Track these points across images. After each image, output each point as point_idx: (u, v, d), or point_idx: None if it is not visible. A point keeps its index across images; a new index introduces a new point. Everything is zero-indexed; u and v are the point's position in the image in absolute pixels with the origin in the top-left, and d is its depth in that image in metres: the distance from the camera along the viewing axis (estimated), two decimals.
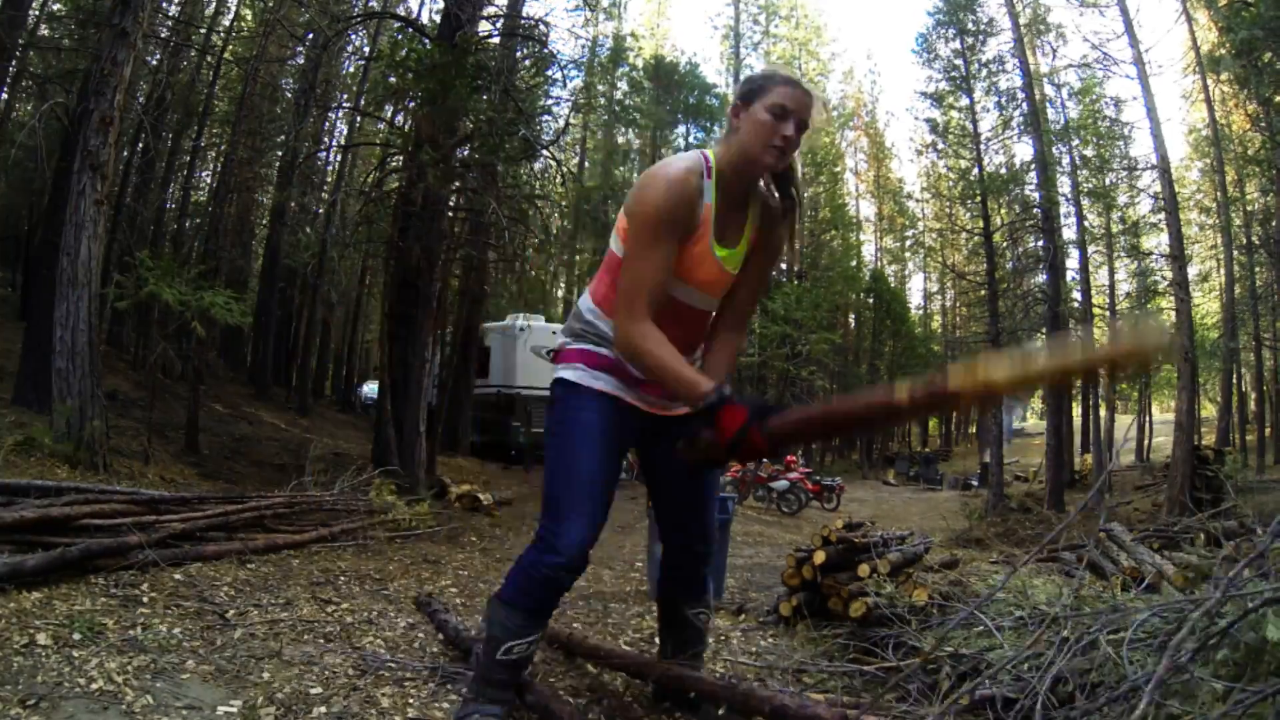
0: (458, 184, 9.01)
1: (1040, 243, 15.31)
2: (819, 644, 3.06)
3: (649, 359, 1.69)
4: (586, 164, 24.89)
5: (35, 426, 5.68)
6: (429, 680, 2.37)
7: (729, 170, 1.78)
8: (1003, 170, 16.48)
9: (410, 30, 10.51)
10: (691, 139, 25.23)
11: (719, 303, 1.94)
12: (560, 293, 26.90)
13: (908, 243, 33.92)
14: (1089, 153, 15.72)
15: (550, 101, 11.82)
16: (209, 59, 14.13)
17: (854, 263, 29.25)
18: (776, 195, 1.90)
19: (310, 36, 12.25)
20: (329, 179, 17.63)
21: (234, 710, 2.02)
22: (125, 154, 12.22)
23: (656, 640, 2.32)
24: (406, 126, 10.17)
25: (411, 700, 2.22)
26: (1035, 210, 14.84)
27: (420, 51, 8.27)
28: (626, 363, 1.80)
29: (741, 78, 1.90)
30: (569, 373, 1.87)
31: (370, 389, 19.14)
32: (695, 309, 1.89)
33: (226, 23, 15.01)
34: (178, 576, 3.16)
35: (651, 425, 1.93)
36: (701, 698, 2.05)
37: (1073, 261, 17.78)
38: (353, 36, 15.33)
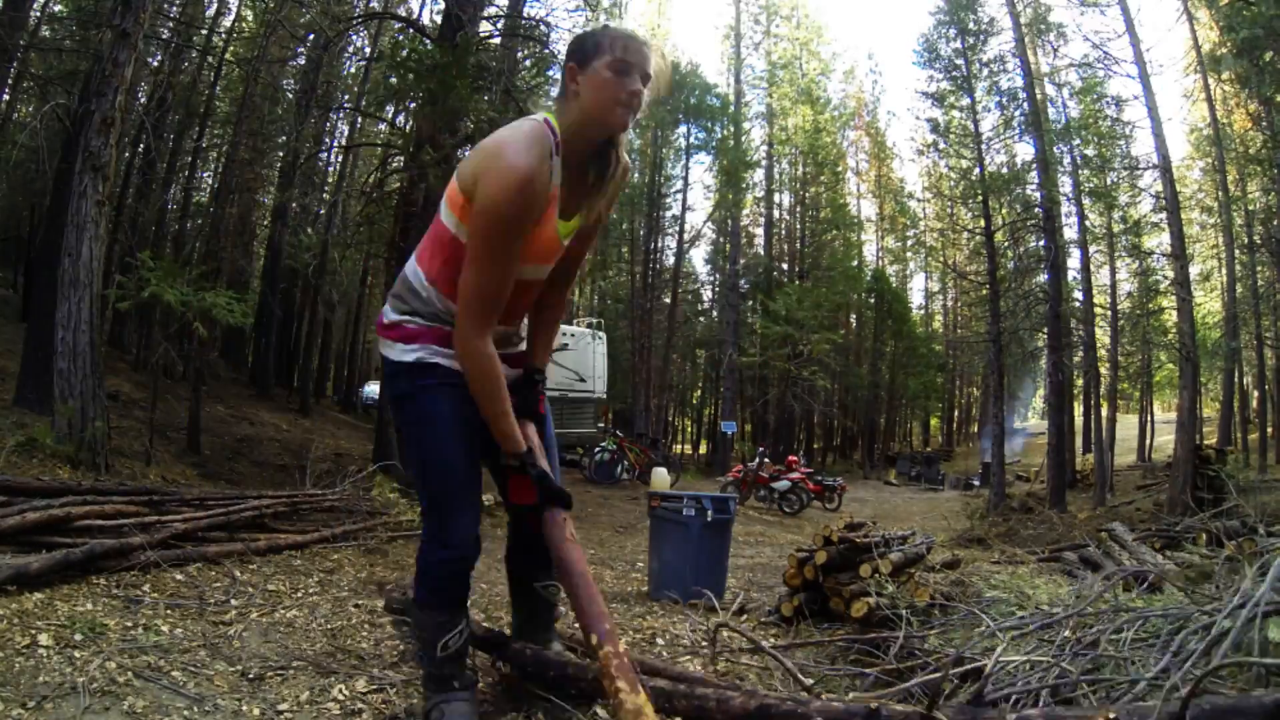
0: None
1: (1042, 242, 15.30)
2: (821, 644, 3.06)
3: (482, 388, 1.68)
4: None
5: (37, 427, 5.69)
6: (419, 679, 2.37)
7: (575, 137, 1.68)
8: (1004, 170, 16.48)
9: (411, 31, 10.51)
10: (692, 139, 25.24)
11: (549, 268, 1.86)
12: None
13: (909, 242, 33.91)
14: (1090, 152, 15.69)
15: (551, 102, 11.82)
16: (210, 60, 14.14)
17: (855, 262, 29.22)
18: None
19: (311, 37, 12.27)
20: (330, 179, 17.66)
21: (234, 710, 2.02)
22: (126, 155, 12.23)
23: (513, 617, 2.31)
24: (407, 127, 10.19)
25: (412, 699, 2.22)
26: (1036, 210, 14.82)
27: (421, 52, 8.27)
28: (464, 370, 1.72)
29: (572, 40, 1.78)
30: (421, 353, 1.76)
31: (371, 389, 19.14)
32: (526, 280, 1.80)
33: (228, 24, 15.02)
34: (179, 577, 3.16)
35: None
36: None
37: (1074, 261, 17.81)
38: (354, 37, 15.37)
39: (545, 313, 1.99)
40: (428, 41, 9.14)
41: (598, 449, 12.84)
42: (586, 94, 1.64)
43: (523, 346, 2.00)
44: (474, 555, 1.87)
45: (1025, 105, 14.98)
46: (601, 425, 15.16)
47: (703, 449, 30.04)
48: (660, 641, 3.07)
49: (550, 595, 2.17)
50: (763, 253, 28.12)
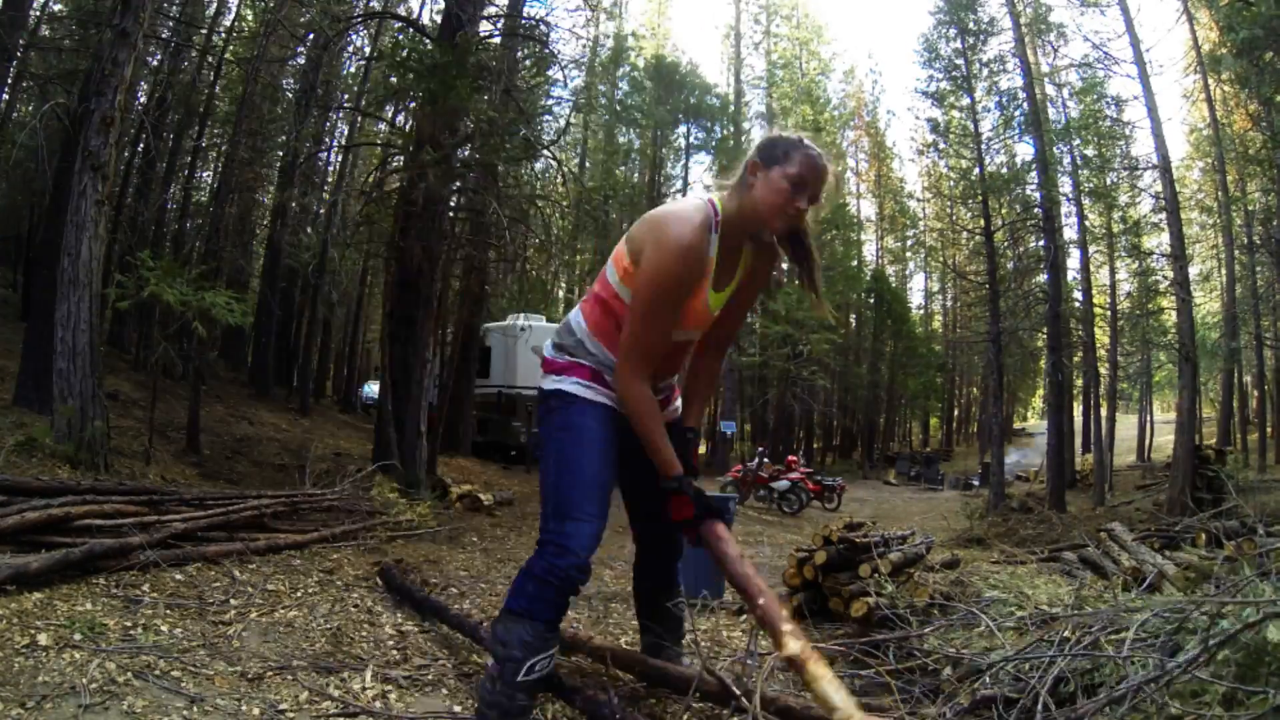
0: (458, 184, 9.01)
1: (1041, 242, 15.30)
2: (820, 644, 3.06)
3: (641, 423, 1.85)
4: (587, 164, 24.88)
5: (36, 427, 5.69)
6: (425, 679, 2.37)
7: (735, 223, 1.86)
8: (1004, 170, 16.47)
9: (411, 30, 10.50)
10: (692, 139, 25.23)
11: (701, 332, 2.03)
12: (561, 293, 26.90)
13: (909, 242, 33.91)
14: (1090, 152, 15.67)
15: (551, 101, 11.83)
16: (210, 59, 14.13)
17: (855, 262, 29.22)
18: (786, 247, 2.01)
19: (311, 37, 12.24)
20: (330, 179, 17.63)
21: (234, 711, 2.02)
22: (126, 154, 12.22)
23: (638, 634, 2.37)
24: (407, 126, 10.18)
25: (411, 698, 2.22)
26: (1036, 210, 14.82)
27: (421, 51, 8.26)
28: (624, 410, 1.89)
29: (765, 136, 1.93)
30: (570, 385, 1.93)
31: (371, 389, 19.14)
32: (679, 343, 1.99)
33: (227, 23, 15.00)
34: (178, 577, 3.16)
35: (631, 436, 1.93)
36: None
37: (1074, 261, 17.82)
38: (353, 37, 15.34)
39: (700, 376, 2.18)
40: (428, 41, 9.13)
41: None
42: (759, 192, 1.81)
43: (676, 403, 2.17)
44: (588, 567, 1.85)
45: (1025, 105, 14.99)
46: None
47: (702, 449, 30.05)
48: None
49: (679, 611, 2.27)
50: None
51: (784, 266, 2.13)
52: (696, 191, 1.87)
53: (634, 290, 1.81)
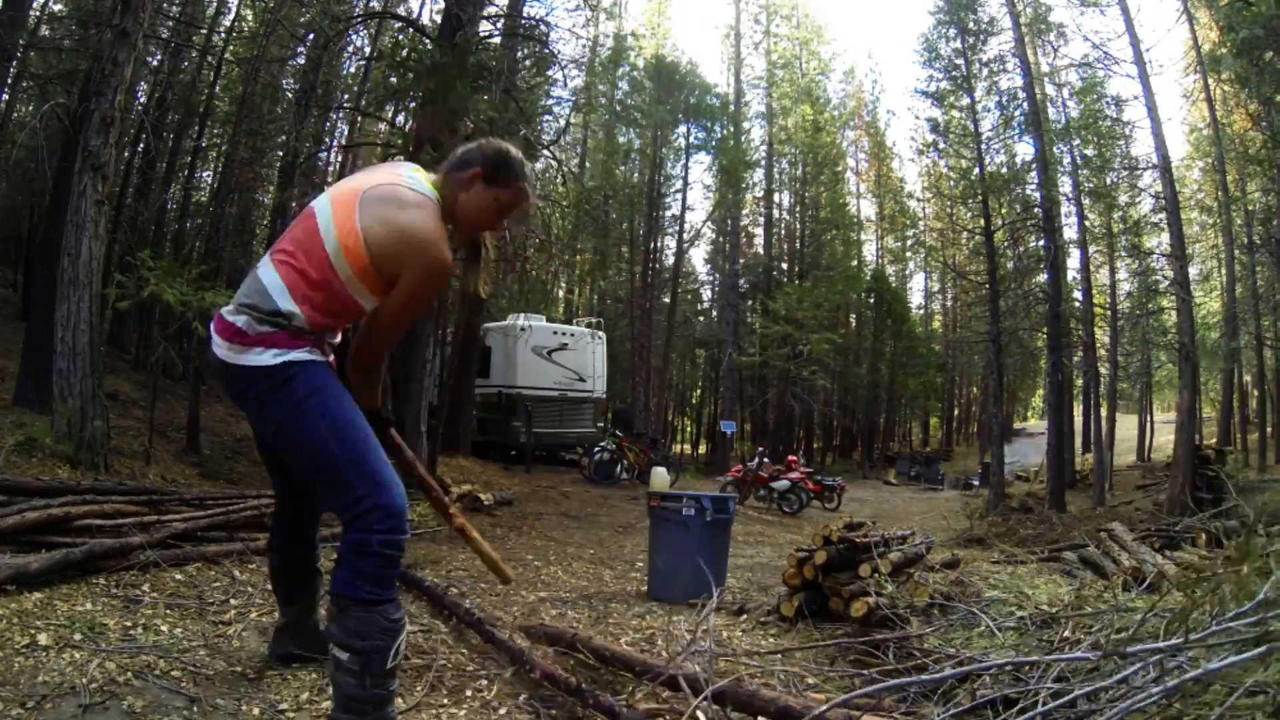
0: None
1: (1041, 242, 15.30)
2: (821, 644, 3.06)
3: (379, 373, 2.12)
4: (587, 164, 24.86)
5: (36, 427, 5.69)
6: (422, 679, 2.37)
7: (444, 214, 1.93)
8: (1004, 170, 16.46)
9: (411, 30, 10.51)
10: (692, 139, 25.20)
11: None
12: (561, 293, 26.90)
13: (909, 242, 33.90)
14: (1090, 152, 15.68)
15: (551, 101, 11.84)
16: (210, 59, 14.12)
17: (855, 262, 29.20)
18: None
19: (311, 37, 12.24)
20: (330, 179, 17.62)
21: (234, 711, 2.02)
22: (126, 154, 12.21)
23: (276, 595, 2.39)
24: (407, 126, 10.17)
25: (411, 698, 2.22)
26: (1036, 210, 14.82)
27: (421, 51, 8.26)
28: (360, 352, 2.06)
29: (496, 148, 2.03)
30: (299, 353, 1.85)
31: None
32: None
33: (227, 23, 15.00)
34: (179, 576, 3.16)
35: None
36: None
37: (1074, 261, 17.81)
38: (353, 36, 15.31)
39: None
40: (427, 41, 9.13)
41: (597, 449, 12.84)
42: (472, 201, 1.96)
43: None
44: (407, 529, 1.84)
45: (1025, 105, 14.98)
46: (601, 425, 15.17)
47: (702, 449, 30.03)
48: (660, 641, 3.07)
49: (317, 567, 2.31)
50: (762, 252, 28.12)
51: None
52: (414, 182, 1.89)
53: (400, 293, 1.87)
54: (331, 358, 2.03)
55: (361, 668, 1.73)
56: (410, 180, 1.92)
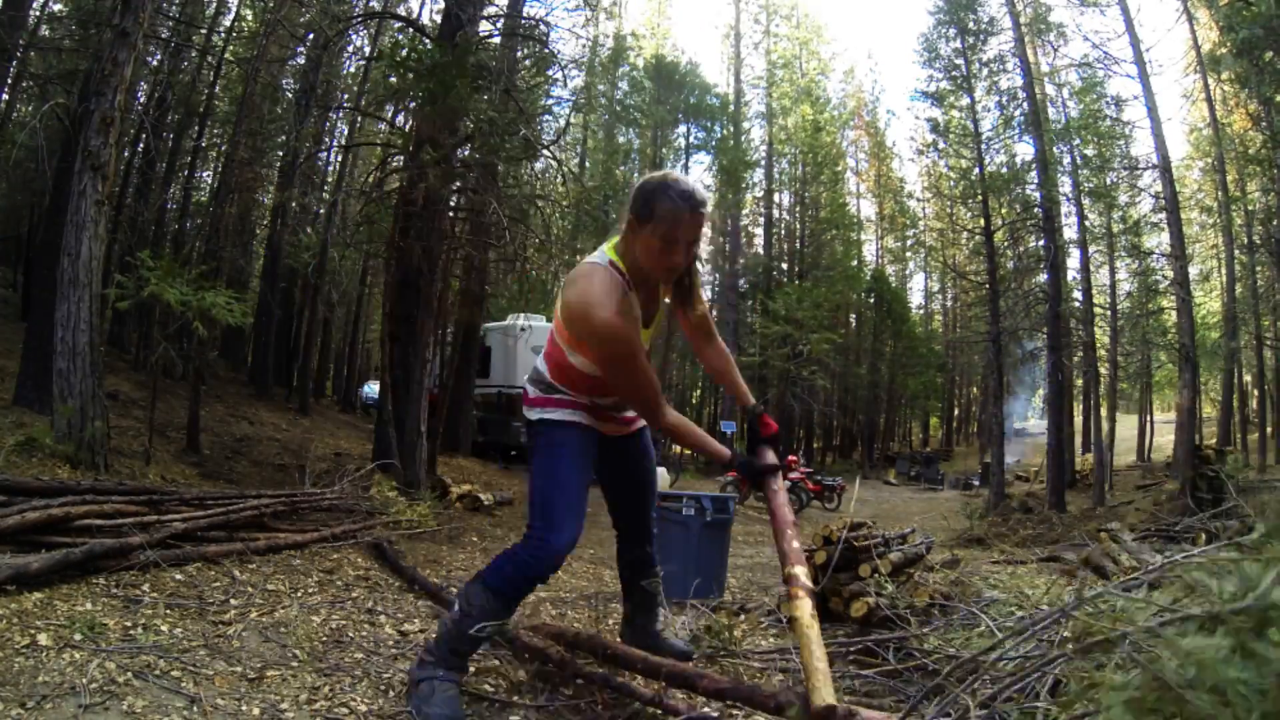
0: (458, 184, 9.00)
1: (1041, 242, 15.30)
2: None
3: (688, 437, 2.22)
4: (587, 164, 24.87)
5: (36, 427, 5.69)
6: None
7: (637, 269, 2.04)
8: (1004, 170, 16.46)
9: (411, 30, 10.50)
10: (692, 139, 25.23)
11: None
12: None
13: (909, 242, 33.91)
14: (1090, 152, 15.68)
15: (551, 101, 11.83)
16: (210, 59, 14.12)
17: (855, 262, 29.22)
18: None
19: (311, 37, 12.24)
20: (330, 179, 17.63)
21: (234, 711, 2.02)
22: (126, 154, 12.22)
23: (622, 608, 2.73)
24: (407, 126, 10.16)
25: (400, 700, 2.22)
26: (1036, 210, 14.82)
27: (421, 51, 8.25)
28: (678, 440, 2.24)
29: (636, 185, 2.05)
30: (550, 413, 2.22)
31: (371, 389, 19.13)
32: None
33: (227, 23, 15.00)
34: (178, 577, 3.16)
35: (609, 444, 2.33)
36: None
37: (1073, 261, 17.79)
38: (353, 36, 15.33)
39: (715, 362, 2.51)
40: (427, 41, 9.13)
41: None
42: (639, 250, 1.99)
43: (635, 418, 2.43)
44: (558, 568, 2.15)
45: (1025, 105, 14.99)
46: None
47: None
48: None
49: (652, 587, 2.58)
50: (762, 252, 28.12)
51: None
52: (596, 255, 2.11)
53: (594, 357, 2.07)
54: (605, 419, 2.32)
55: (455, 621, 2.13)
56: (594, 254, 2.10)
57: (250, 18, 14.92)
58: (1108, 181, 15.51)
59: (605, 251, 2.07)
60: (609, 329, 1.93)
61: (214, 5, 14.72)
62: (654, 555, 2.59)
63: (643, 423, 2.42)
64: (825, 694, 1.59)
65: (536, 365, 2.33)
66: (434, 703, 2.03)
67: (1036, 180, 14.61)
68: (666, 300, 2.29)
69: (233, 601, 2.96)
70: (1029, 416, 37.35)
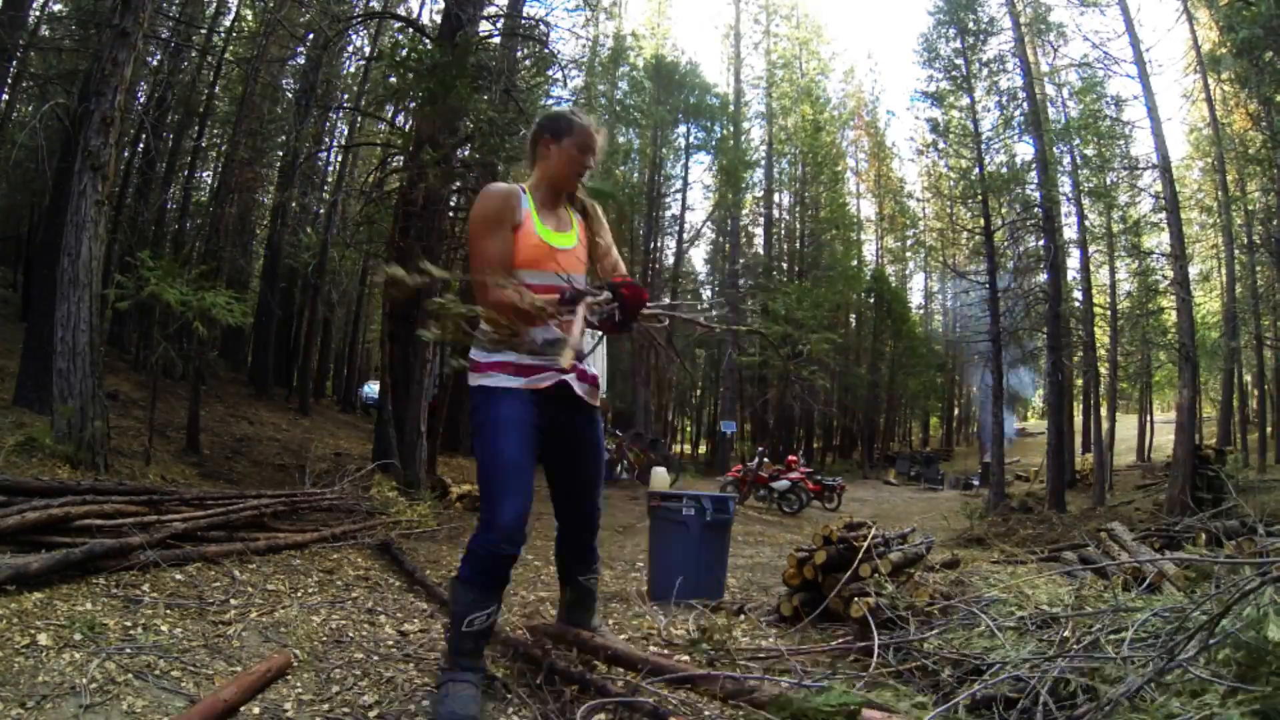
0: (458, 184, 9.00)
1: (1041, 242, 15.29)
2: (821, 644, 3.06)
3: (493, 293, 2.14)
4: None
5: (36, 427, 5.69)
6: (420, 679, 2.37)
7: (543, 187, 2.37)
8: (1003, 169, 16.45)
9: (411, 30, 10.50)
10: (692, 139, 25.22)
11: (585, 277, 2.41)
12: None
13: (909, 242, 33.89)
14: (1090, 152, 15.65)
15: (551, 101, 11.82)
16: (210, 59, 14.11)
17: (855, 262, 29.18)
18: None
19: (311, 37, 12.24)
20: (330, 179, 17.64)
21: (233, 711, 2.02)
22: (126, 154, 12.21)
23: (559, 604, 2.74)
24: (407, 126, 10.17)
25: (412, 704, 2.22)
26: (1036, 209, 14.82)
27: (421, 51, 8.26)
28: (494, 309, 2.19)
29: (544, 114, 2.53)
30: (487, 379, 2.26)
31: (371, 389, 19.11)
32: (538, 285, 2.24)
33: (227, 23, 14.99)
34: (178, 577, 3.16)
35: (552, 417, 2.30)
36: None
37: (1073, 261, 17.79)
38: (353, 37, 15.33)
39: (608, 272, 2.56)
40: (427, 41, 9.13)
41: None
42: (554, 160, 2.35)
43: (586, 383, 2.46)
44: (515, 540, 2.16)
45: (1025, 105, 14.98)
46: (601, 425, 15.16)
47: (702, 449, 30.02)
48: (660, 641, 3.07)
49: (590, 584, 2.63)
50: (762, 252, 28.11)
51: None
52: None
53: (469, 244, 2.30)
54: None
55: (450, 627, 2.24)
56: None
57: (250, 18, 14.91)
58: (1108, 181, 15.50)
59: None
60: (480, 196, 2.28)
61: (214, 5, 14.72)
62: (594, 549, 2.61)
63: (591, 405, 2.46)
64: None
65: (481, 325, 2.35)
66: (447, 701, 2.08)
67: (1036, 180, 14.60)
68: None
69: (233, 601, 2.96)
70: (1028, 416, 37.31)
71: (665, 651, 2.83)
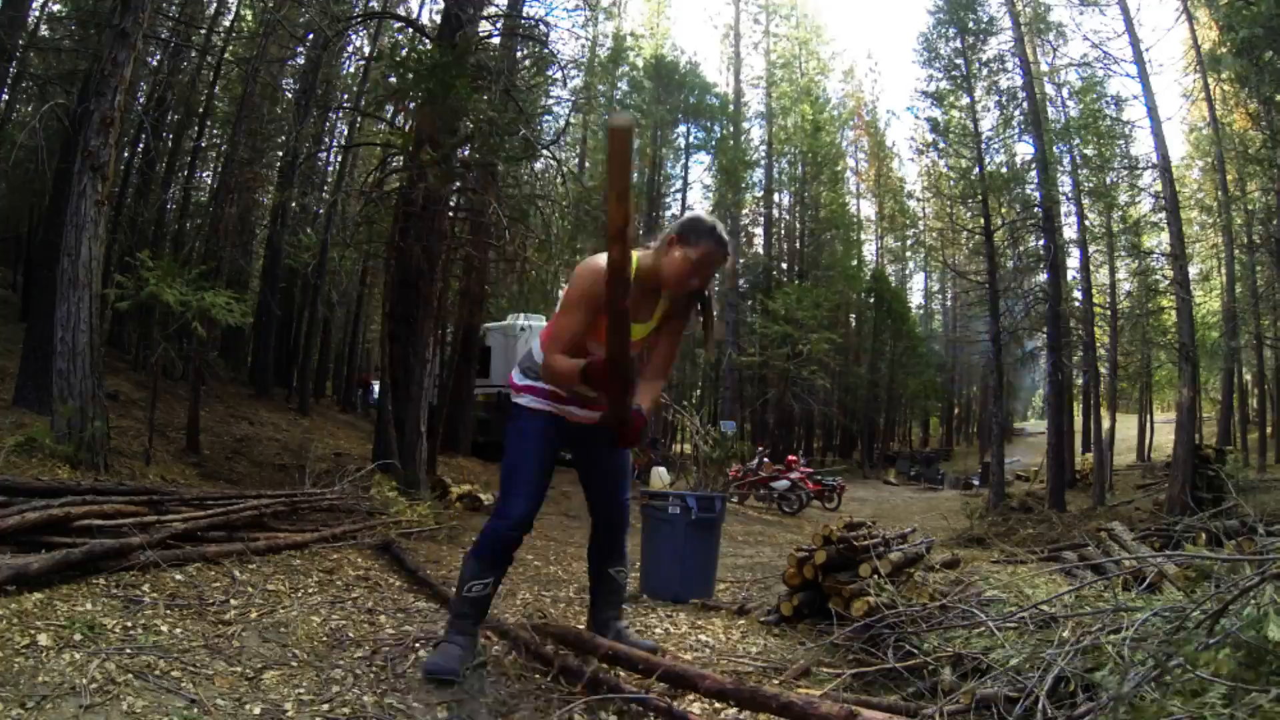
0: (458, 184, 8.99)
1: (1041, 242, 15.30)
2: (821, 644, 3.06)
3: (563, 379, 2.32)
4: (587, 164, 24.87)
5: (36, 427, 5.68)
6: (420, 681, 2.37)
7: (648, 275, 2.39)
8: (1003, 169, 16.45)
9: (410, 30, 10.50)
10: (692, 139, 25.24)
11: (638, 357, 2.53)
12: (560, 293, 26.85)
13: (908, 242, 33.88)
14: (1090, 152, 15.65)
15: (551, 101, 11.82)
16: (209, 59, 14.10)
17: (855, 262, 29.20)
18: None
19: (310, 37, 12.23)
20: (329, 179, 17.62)
21: (234, 711, 2.02)
22: (126, 155, 12.20)
23: (589, 596, 2.95)
24: (407, 126, 10.15)
25: (415, 702, 2.22)
26: (1036, 209, 14.82)
27: (420, 51, 8.25)
28: (547, 381, 2.47)
29: (689, 215, 2.49)
30: (525, 400, 2.57)
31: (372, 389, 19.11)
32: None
33: (227, 23, 14.97)
34: (178, 577, 3.15)
35: (578, 434, 2.58)
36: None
37: (1073, 260, 17.79)
38: (353, 37, 15.32)
39: (645, 384, 2.57)
40: (427, 41, 9.13)
41: None
42: (672, 261, 2.36)
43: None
44: (521, 527, 2.49)
45: (1025, 105, 14.98)
46: None
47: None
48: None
49: (619, 578, 2.83)
50: (762, 252, 28.11)
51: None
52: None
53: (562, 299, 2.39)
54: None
55: (455, 593, 2.56)
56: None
57: (250, 18, 14.89)
58: (1107, 181, 15.49)
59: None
60: (587, 267, 2.30)
61: (214, 5, 14.71)
62: (623, 545, 2.80)
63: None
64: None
65: (533, 347, 2.61)
66: (435, 655, 2.43)
67: (1036, 180, 14.61)
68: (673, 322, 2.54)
69: (233, 601, 2.96)
70: (1028, 415, 37.28)
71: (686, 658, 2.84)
